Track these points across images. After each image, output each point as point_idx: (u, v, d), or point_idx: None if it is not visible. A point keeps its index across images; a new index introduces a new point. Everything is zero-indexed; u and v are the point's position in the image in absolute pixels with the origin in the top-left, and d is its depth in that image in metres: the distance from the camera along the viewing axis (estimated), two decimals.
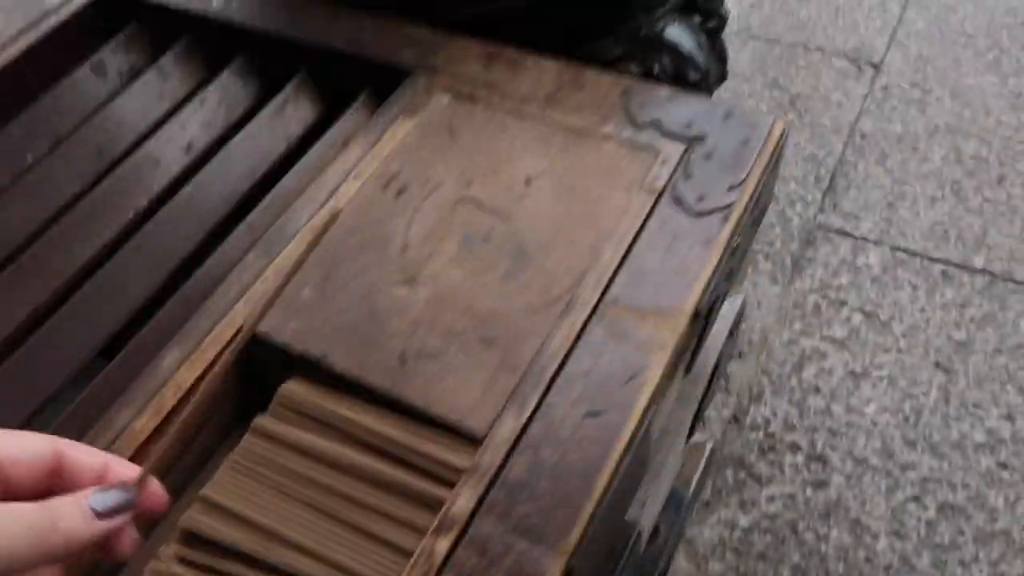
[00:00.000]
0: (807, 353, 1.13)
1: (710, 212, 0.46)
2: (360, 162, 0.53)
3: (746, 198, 0.47)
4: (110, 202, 0.58)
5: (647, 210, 0.47)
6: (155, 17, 0.68)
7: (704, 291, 0.44)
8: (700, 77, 0.67)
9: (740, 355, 1.14)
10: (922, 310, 1.15)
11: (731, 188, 0.47)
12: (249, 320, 0.45)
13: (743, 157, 0.48)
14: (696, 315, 0.44)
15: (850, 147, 1.35)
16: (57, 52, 0.68)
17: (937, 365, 1.09)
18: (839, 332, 1.14)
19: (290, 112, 0.61)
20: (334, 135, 0.57)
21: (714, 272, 0.44)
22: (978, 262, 1.19)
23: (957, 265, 1.19)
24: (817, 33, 1.52)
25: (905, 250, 1.21)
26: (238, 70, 0.65)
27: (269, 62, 0.64)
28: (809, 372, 1.11)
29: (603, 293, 0.44)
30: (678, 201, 0.47)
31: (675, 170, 0.48)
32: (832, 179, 1.31)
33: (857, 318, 1.15)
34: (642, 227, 0.46)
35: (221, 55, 0.66)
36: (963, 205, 1.25)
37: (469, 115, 0.53)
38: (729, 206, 0.46)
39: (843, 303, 1.17)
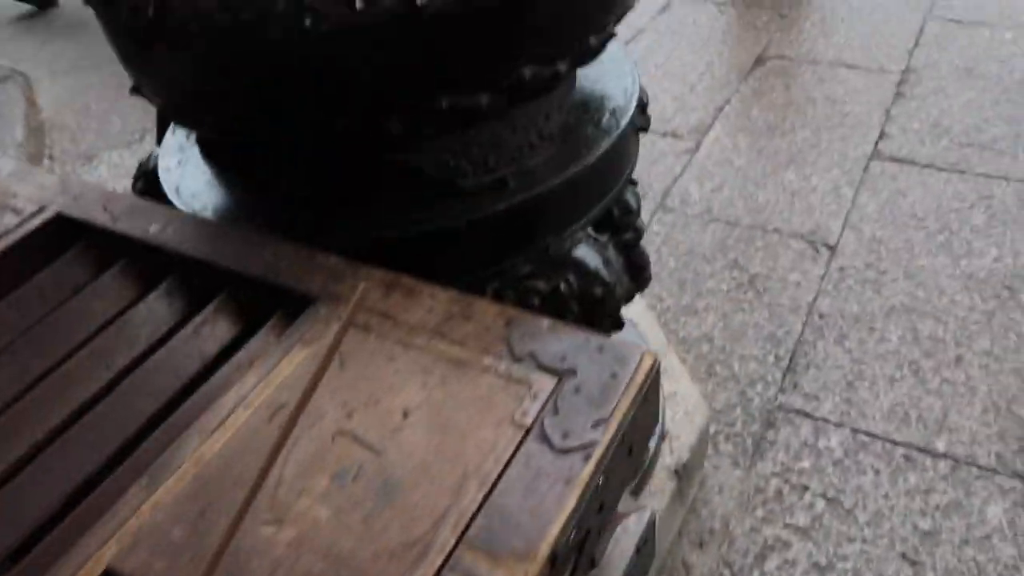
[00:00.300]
0: (769, 543, 1.09)
1: (573, 449, 0.47)
2: (252, 391, 0.55)
3: (610, 435, 0.48)
4: (26, 420, 0.60)
5: (514, 447, 0.48)
6: (100, 238, 0.74)
7: (562, 532, 0.44)
8: (606, 292, 0.70)
9: (701, 545, 1.11)
10: (886, 496, 1.12)
11: (595, 425, 0.48)
12: (115, 560, 0.45)
13: (610, 392, 0.50)
14: (554, 557, 0.44)
15: (809, 327, 1.37)
16: (9, 269, 0.73)
17: (903, 557, 1.05)
18: (802, 520, 1.11)
19: (207, 332, 0.64)
20: (239, 359, 0.59)
21: (574, 512, 0.45)
22: (940, 446, 1.17)
23: (919, 449, 1.17)
24: (774, 216, 1.59)
25: (867, 433, 1.20)
26: (166, 290, 0.68)
27: (195, 283, 0.68)
28: (772, 564, 1.07)
29: (461, 536, 0.44)
30: (543, 438, 0.48)
31: (544, 405, 0.50)
32: (792, 359, 1.32)
33: (820, 504, 1.13)
34: (507, 465, 0.47)
35: (155, 275, 0.70)
36: (923, 386, 1.25)
37: (361, 344, 0.56)
38: (592, 444, 0.47)
39: (805, 488, 1.15)
